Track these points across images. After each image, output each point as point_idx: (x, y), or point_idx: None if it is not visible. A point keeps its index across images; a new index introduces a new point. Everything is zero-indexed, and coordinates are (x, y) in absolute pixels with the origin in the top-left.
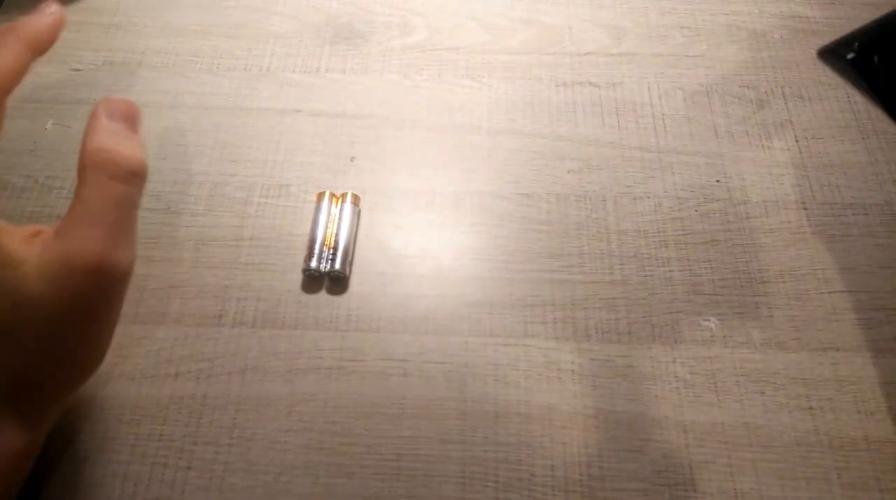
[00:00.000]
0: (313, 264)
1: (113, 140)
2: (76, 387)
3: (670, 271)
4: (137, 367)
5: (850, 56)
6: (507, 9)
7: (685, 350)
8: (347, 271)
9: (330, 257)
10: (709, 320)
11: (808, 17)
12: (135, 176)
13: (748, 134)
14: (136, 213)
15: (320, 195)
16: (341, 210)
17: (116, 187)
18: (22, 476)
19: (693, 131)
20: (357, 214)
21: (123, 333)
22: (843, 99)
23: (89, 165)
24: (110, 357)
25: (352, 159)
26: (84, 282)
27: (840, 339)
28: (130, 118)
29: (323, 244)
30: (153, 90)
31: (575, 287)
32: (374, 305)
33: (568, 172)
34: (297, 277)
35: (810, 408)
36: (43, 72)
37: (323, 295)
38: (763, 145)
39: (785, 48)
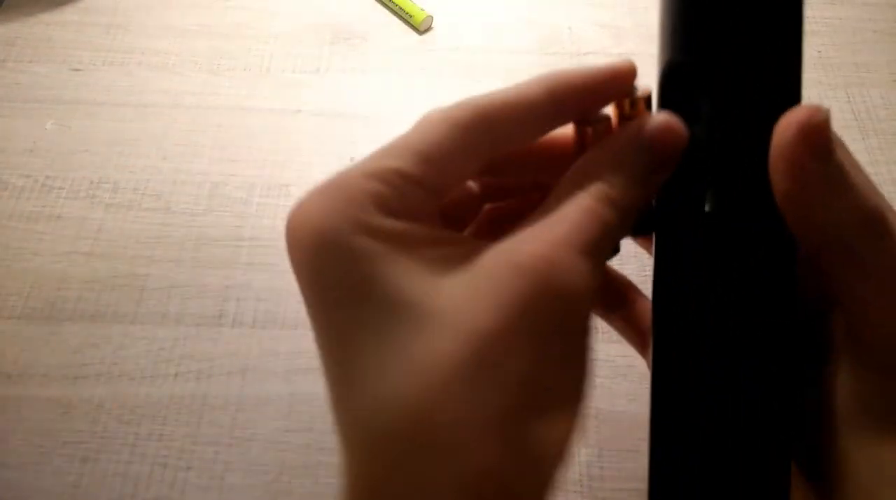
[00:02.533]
0: None
1: None
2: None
3: None
4: (137, 367)
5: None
6: (507, 9)
7: None
8: None
9: None
10: None
11: (808, 17)
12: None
13: None
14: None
15: None
16: None
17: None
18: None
19: None
20: None
21: (123, 333)
22: (842, 99)
23: None
24: (110, 357)
25: (352, 159)
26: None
27: None
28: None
29: None
30: (153, 90)
31: None
32: None
33: None
34: None
35: None
36: (43, 72)
37: None
38: None
39: None
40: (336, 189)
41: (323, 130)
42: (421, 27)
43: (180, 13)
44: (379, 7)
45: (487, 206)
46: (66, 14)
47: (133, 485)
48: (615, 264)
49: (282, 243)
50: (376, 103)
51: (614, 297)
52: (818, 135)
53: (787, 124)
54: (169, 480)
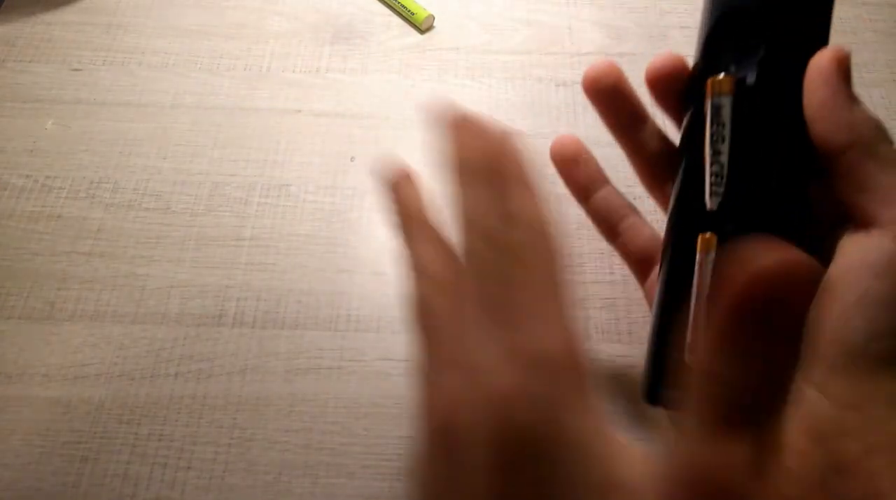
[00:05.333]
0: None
1: None
2: None
3: None
4: (137, 367)
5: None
6: (507, 9)
7: None
8: None
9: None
10: None
11: None
12: None
13: None
14: None
15: None
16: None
17: None
18: None
19: None
20: None
21: (123, 333)
22: None
23: None
24: (110, 357)
25: (352, 159)
26: None
27: None
28: None
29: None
30: (153, 90)
31: (575, 287)
32: (374, 305)
33: None
34: (298, 276)
35: None
36: (43, 72)
37: (322, 295)
38: None
39: None
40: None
41: (323, 130)
42: (423, 26)
43: (180, 13)
44: (380, 6)
45: None
46: (66, 14)
47: (133, 485)
48: (617, 262)
49: (282, 243)
50: (376, 103)
51: (613, 223)
52: (845, 61)
53: (823, 54)
54: (169, 480)
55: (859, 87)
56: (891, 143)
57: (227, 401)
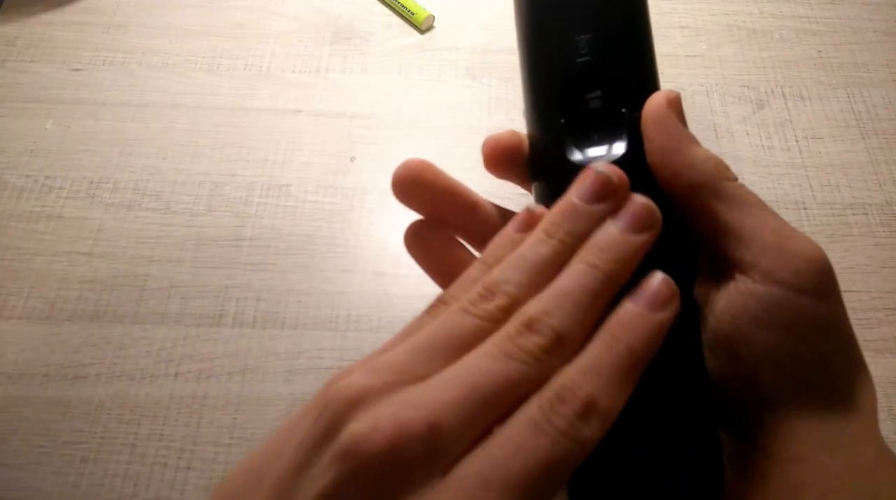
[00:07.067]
0: None
1: None
2: None
3: None
4: (137, 367)
5: None
6: (507, 9)
7: None
8: None
9: None
10: None
11: (808, 17)
12: None
13: (748, 134)
14: None
15: None
16: None
17: None
18: None
19: (693, 131)
20: None
21: (123, 333)
22: (843, 99)
23: None
24: (110, 357)
25: (352, 159)
26: None
27: None
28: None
29: None
30: (153, 90)
31: None
32: (374, 305)
33: None
34: (298, 276)
35: None
36: (43, 72)
37: (322, 295)
38: (763, 145)
39: (785, 48)
40: None
41: (323, 130)
42: (423, 26)
43: (180, 13)
44: (380, 6)
45: None
46: (66, 14)
47: (133, 485)
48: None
49: (282, 243)
50: (376, 103)
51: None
52: (677, 103)
53: (656, 98)
54: (169, 480)
55: (859, 86)
56: (734, 179)
57: (227, 401)
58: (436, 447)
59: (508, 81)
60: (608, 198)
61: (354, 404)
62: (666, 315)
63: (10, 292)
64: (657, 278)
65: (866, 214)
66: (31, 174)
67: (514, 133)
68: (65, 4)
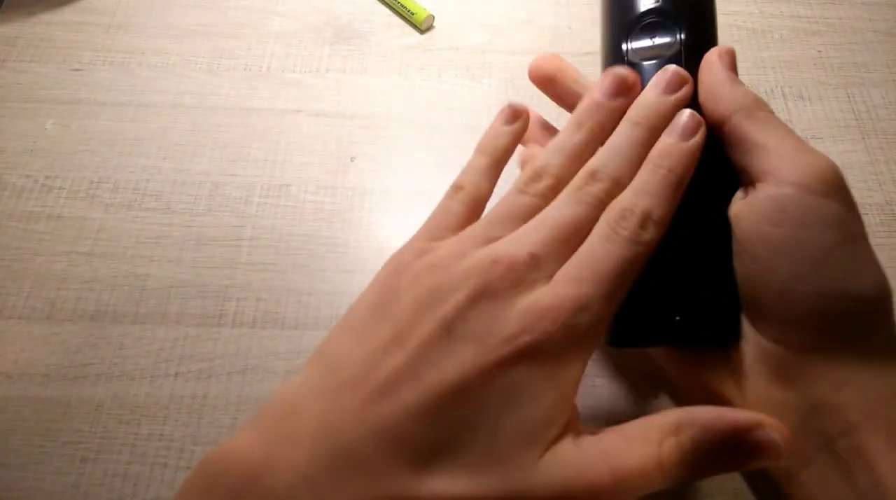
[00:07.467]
0: None
1: None
2: None
3: None
4: (137, 367)
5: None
6: (507, 9)
7: None
8: None
9: None
10: None
11: (808, 17)
12: None
13: None
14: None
15: None
16: None
17: None
18: None
19: None
20: None
21: (123, 333)
22: (843, 99)
23: None
24: (110, 357)
25: (352, 159)
26: None
27: None
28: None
29: None
30: (153, 90)
31: None
32: None
33: None
34: (298, 276)
35: None
36: (43, 72)
37: (322, 295)
38: None
39: (785, 48)
40: None
41: (323, 130)
42: (423, 26)
43: (180, 13)
44: (380, 6)
45: None
46: (66, 14)
47: (133, 485)
48: None
49: (282, 243)
50: (376, 103)
51: None
52: (729, 54)
53: (712, 50)
54: (169, 480)
55: (859, 86)
56: (770, 111)
57: (227, 401)
58: (538, 268)
59: (508, 81)
60: (624, 94)
61: (461, 255)
62: (696, 141)
63: (9, 292)
64: (685, 114)
65: (866, 214)
66: (31, 174)
67: (555, 56)
68: (65, 4)
